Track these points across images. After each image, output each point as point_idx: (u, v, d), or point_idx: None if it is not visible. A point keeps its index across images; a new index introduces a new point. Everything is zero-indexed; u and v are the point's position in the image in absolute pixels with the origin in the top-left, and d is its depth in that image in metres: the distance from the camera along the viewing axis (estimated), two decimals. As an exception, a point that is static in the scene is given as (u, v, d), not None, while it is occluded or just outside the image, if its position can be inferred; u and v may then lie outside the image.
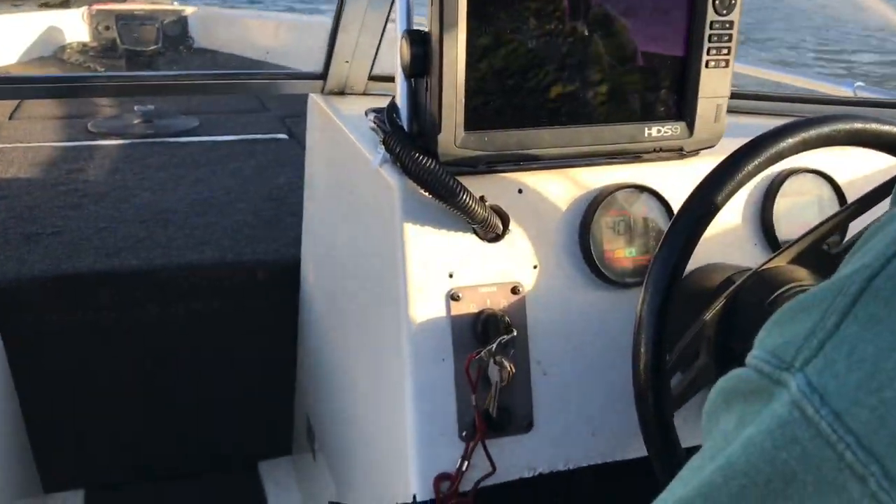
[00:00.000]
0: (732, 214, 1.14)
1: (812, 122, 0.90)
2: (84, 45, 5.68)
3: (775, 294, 0.90)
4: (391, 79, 1.47)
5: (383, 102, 1.08)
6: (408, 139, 0.99)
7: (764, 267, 0.94)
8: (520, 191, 1.05)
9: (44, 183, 2.49)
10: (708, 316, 0.92)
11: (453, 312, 1.02)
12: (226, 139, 3.17)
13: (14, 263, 1.86)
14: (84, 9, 5.85)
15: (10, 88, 1.84)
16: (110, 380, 1.91)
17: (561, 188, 1.07)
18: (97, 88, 1.79)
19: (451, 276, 1.02)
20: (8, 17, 5.64)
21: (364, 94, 1.51)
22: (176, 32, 5.73)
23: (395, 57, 1.02)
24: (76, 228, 2.09)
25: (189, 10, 5.99)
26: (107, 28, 5.62)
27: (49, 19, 5.73)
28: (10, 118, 3.44)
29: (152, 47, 5.38)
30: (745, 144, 0.89)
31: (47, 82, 1.64)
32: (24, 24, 5.54)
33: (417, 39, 0.96)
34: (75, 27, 5.77)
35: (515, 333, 1.00)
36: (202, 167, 2.74)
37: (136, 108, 3.51)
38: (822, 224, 0.94)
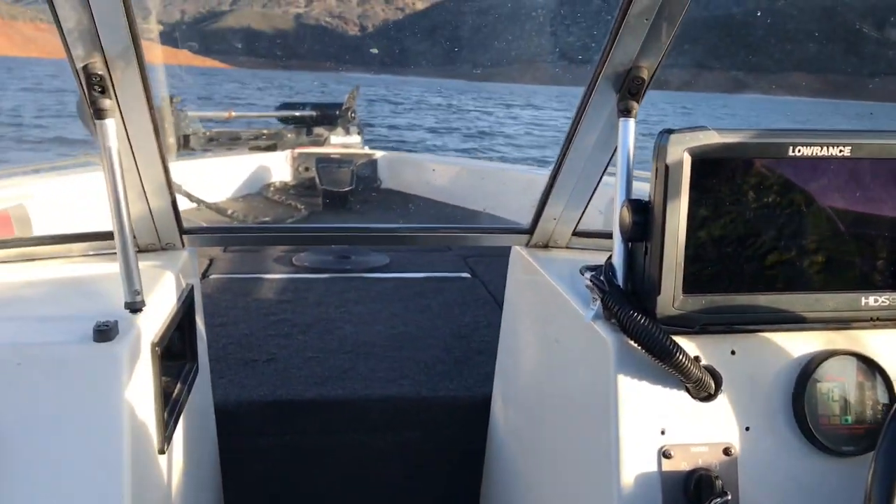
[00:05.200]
0: None
1: None
2: (286, 183, 6.29)
3: None
4: (593, 235, 1.56)
5: (586, 257, 1.15)
6: (625, 298, 1.05)
7: None
8: (732, 352, 1.07)
9: (257, 312, 2.74)
10: None
11: (664, 469, 1.03)
12: (415, 276, 3.37)
13: (235, 388, 2.05)
14: (288, 152, 6.54)
15: (230, 237, 2.01)
16: (308, 499, 2.02)
17: (774, 352, 1.08)
18: (312, 237, 1.91)
19: (662, 432, 1.04)
20: (223, 159, 6.36)
21: (566, 247, 1.59)
22: (367, 174, 6.24)
23: (610, 219, 1.10)
24: (287, 357, 2.28)
25: (378, 154, 6.53)
26: (306, 169, 6.22)
27: (257, 161, 6.40)
28: (225, 250, 3.82)
29: (347, 188, 5.85)
30: None
31: (259, 232, 1.82)
32: (235, 165, 6.22)
33: (639, 208, 1.04)
34: (279, 168, 6.42)
35: (730, 497, 1.00)
36: (395, 303, 2.92)
37: (332, 244, 3.81)
38: None
